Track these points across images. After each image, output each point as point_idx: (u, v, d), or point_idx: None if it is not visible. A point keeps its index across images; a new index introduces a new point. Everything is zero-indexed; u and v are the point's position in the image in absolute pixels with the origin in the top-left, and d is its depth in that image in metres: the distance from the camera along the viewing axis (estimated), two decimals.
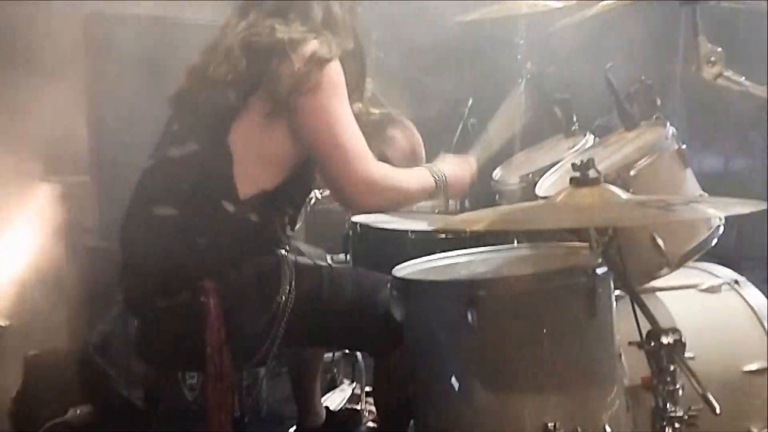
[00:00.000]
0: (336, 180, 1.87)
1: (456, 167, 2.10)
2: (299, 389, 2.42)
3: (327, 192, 2.44)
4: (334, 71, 1.81)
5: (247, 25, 1.85)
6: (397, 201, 1.95)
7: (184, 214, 1.79)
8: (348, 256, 2.51)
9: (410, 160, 2.18)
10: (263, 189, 1.81)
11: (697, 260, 1.97)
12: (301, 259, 1.90)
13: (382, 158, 2.01)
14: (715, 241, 1.92)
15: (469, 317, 1.53)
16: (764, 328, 1.92)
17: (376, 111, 2.09)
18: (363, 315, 1.85)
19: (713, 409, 1.42)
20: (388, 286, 1.73)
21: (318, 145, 1.82)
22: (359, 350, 2.57)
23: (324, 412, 2.45)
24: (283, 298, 1.79)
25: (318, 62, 1.78)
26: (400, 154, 2.18)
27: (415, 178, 1.99)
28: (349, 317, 1.86)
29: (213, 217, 1.77)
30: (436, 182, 2.01)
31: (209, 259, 1.76)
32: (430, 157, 2.20)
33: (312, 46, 1.79)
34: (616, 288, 1.65)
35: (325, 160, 1.85)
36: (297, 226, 2.02)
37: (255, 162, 1.81)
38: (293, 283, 1.81)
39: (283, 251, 1.86)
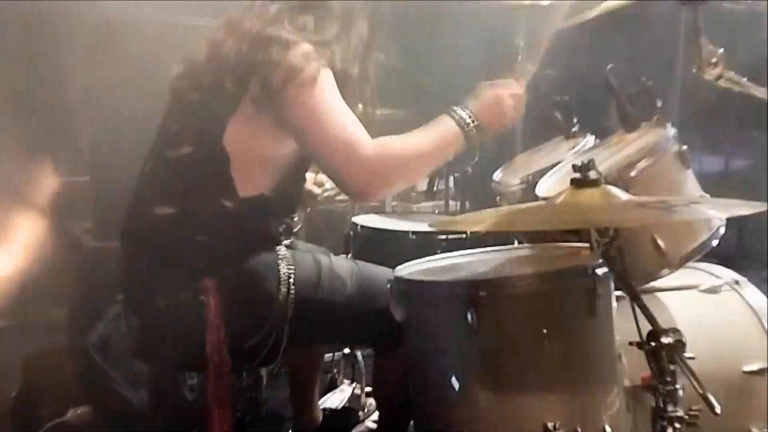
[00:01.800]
0: (336, 174, 1.78)
1: (488, 97, 1.85)
2: (297, 391, 2.42)
3: (327, 192, 2.44)
4: (325, 71, 1.76)
5: (245, 35, 1.80)
6: (413, 169, 1.80)
7: (184, 212, 1.78)
8: (348, 257, 2.51)
9: None
10: (262, 191, 1.80)
11: (698, 261, 1.97)
12: (300, 255, 1.89)
13: None
14: (715, 242, 1.92)
15: (469, 317, 1.53)
16: (764, 329, 1.92)
17: (375, 111, 2.07)
18: (365, 308, 1.85)
19: (713, 409, 1.41)
20: (388, 285, 1.73)
21: (308, 141, 1.76)
22: (362, 346, 2.56)
23: (321, 415, 2.45)
24: (284, 296, 1.79)
25: (309, 59, 1.73)
26: None
27: (425, 135, 1.79)
28: (351, 311, 1.85)
29: (213, 215, 1.77)
30: (460, 124, 1.80)
31: (209, 257, 1.76)
32: None
33: (304, 47, 1.75)
34: (616, 288, 1.65)
35: (320, 158, 1.79)
36: (296, 229, 2.01)
37: (252, 162, 1.79)
38: (293, 278, 1.80)
39: (282, 249, 1.85)
